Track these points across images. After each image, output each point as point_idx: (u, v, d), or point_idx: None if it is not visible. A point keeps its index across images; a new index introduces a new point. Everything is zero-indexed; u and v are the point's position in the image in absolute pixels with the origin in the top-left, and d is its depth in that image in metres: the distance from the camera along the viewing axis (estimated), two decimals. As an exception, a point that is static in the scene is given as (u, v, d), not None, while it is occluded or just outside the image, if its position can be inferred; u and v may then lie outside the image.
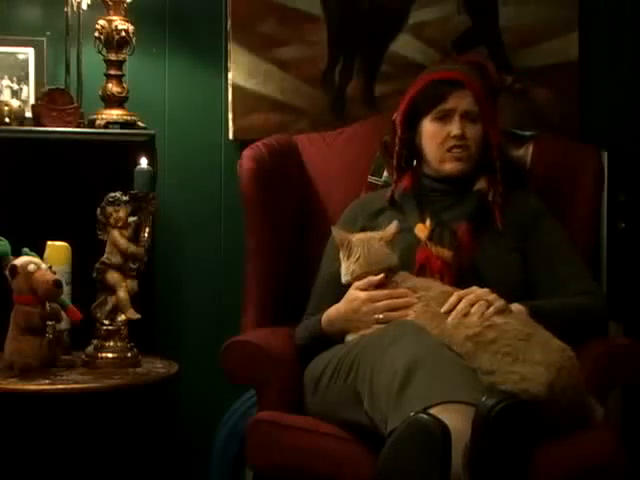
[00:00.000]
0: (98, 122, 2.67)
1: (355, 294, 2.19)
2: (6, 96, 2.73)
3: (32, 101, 2.74)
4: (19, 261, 2.32)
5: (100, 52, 2.70)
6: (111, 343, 2.41)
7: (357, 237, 2.22)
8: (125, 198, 2.41)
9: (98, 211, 2.41)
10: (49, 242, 2.44)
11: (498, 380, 1.90)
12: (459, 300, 2.07)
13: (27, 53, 2.78)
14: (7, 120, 2.63)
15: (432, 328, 2.05)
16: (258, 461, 2.09)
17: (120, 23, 2.66)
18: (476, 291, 2.08)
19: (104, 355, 2.40)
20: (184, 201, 2.95)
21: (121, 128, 2.68)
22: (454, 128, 2.32)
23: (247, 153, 2.51)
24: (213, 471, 2.80)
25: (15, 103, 2.68)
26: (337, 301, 2.23)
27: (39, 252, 2.39)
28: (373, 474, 1.84)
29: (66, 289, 2.39)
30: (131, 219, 2.42)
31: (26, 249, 2.36)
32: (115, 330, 2.41)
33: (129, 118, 2.69)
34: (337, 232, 2.25)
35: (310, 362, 2.23)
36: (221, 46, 2.95)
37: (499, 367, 1.92)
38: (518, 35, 3.04)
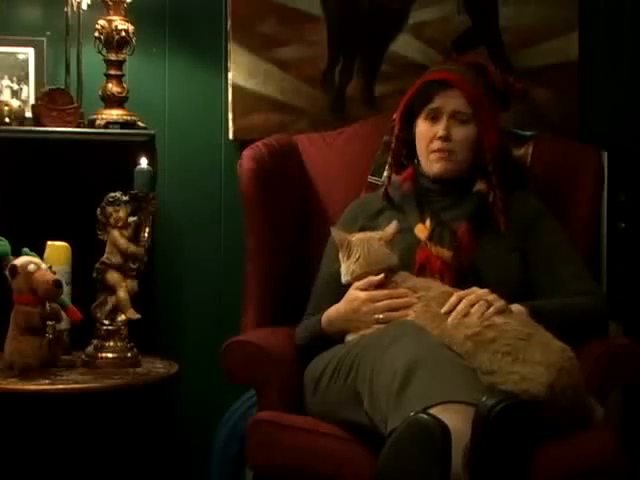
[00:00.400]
0: (98, 122, 2.67)
1: (355, 294, 2.19)
2: (6, 96, 2.73)
3: (32, 101, 2.74)
4: (19, 261, 2.32)
5: (100, 52, 2.70)
6: (111, 343, 2.41)
7: (357, 237, 2.22)
8: (125, 198, 2.41)
9: (98, 211, 2.41)
10: (49, 242, 2.44)
11: (498, 380, 1.90)
12: (459, 300, 2.07)
13: (27, 53, 2.78)
14: (7, 120, 2.63)
15: (432, 328, 2.05)
16: (258, 461, 2.09)
17: (120, 23, 2.66)
18: (476, 291, 2.08)
19: (104, 355, 2.40)
20: (184, 201, 2.94)
21: (121, 128, 2.68)
22: (440, 129, 2.32)
23: (247, 153, 2.51)
24: (213, 471, 2.79)
25: (15, 103, 2.68)
26: (337, 301, 2.23)
27: (39, 252, 2.39)
28: (373, 474, 1.84)
29: (66, 289, 2.39)
30: (131, 219, 2.42)
31: (26, 249, 2.36)
32: (115, 330, 2.41)
33: (129, 118, 2.69)
34: (336, 233, 2.25)
35: (310, 362, 2.23)
36: (221, 46, 2.95)
37: (499, 367, 1.92)
38: (518, 35, 3.04)
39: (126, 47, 2.69)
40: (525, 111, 2.95)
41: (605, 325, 2.36)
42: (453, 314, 2.05)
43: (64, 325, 2.42)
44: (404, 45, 3.00)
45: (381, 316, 2.14)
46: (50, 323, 2.34)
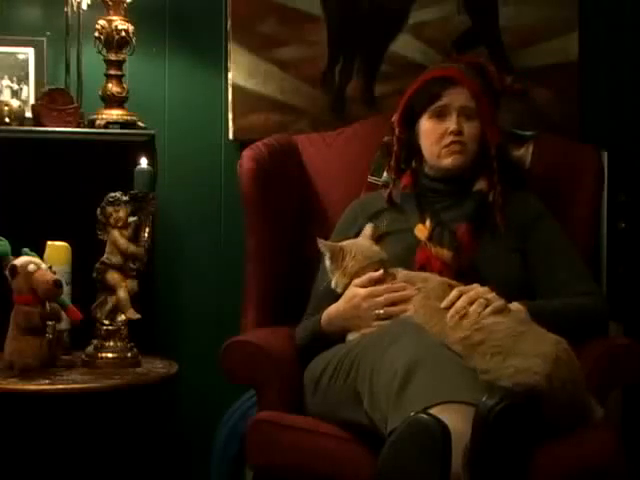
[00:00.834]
0: (98, 122, 2.67)
1: (355, 291, 2.19)
2: (6, 96, 2.73)
3: (32, 101, 2.74)
4: (19, 261, 2.32)
5: (100, 52, 2.70)
6: (111, 343, 2.41)
7: (345, 242, 2.25)
8: (125, 198, 2.41)
9: (98, 211, 2.41)
10: (49, 242, 2.44)
11: (493, 377, 1.91)
12: (459, 295, 2.07)
13: (27, 53, 2.78)
14: (7, 120, 2.63)
15: (432, 325, 2.05)
16: (258, 461, 2.09)
17: (120, 23, 2.66)
18: (476, 288, 2.09)
19: (104, 355, 2.40)
20: (184, 201, 2.94)
21: (121, 128, 2.68)
22: (452, 124, 2.32)
23: (247, 153, 2.51)
24: (213, 471, 2.79)
25: (15, 103, 2.68)
26: (336, 301, 2.23)
27: (39, 252, 2.39)
28: (373, 474, 1.84)
29: (66, 289, 2.39)
30: (131, 219, 2.42)
31: (26, 249, 2.36)
32: (115, 330, 2.41)
33: (129, 118, 2.69)
34: (323, 243, 2.25)
35: (310, 362, 2.23)
36: (221, 46, 2.95)
37: (491, 367, 1.93)
38: (518, 35, 3.04)
39: (126, 47, 2.69)
40: (525, 111, 2.96)
41: (605, 325, 2.36)
42: (451, 311, 2.05)
43: (64, 325, 2.42)
44: (404, 45, 3.00)
45: (381, 311, 2.15)
46: (50, 323, 2.34)
